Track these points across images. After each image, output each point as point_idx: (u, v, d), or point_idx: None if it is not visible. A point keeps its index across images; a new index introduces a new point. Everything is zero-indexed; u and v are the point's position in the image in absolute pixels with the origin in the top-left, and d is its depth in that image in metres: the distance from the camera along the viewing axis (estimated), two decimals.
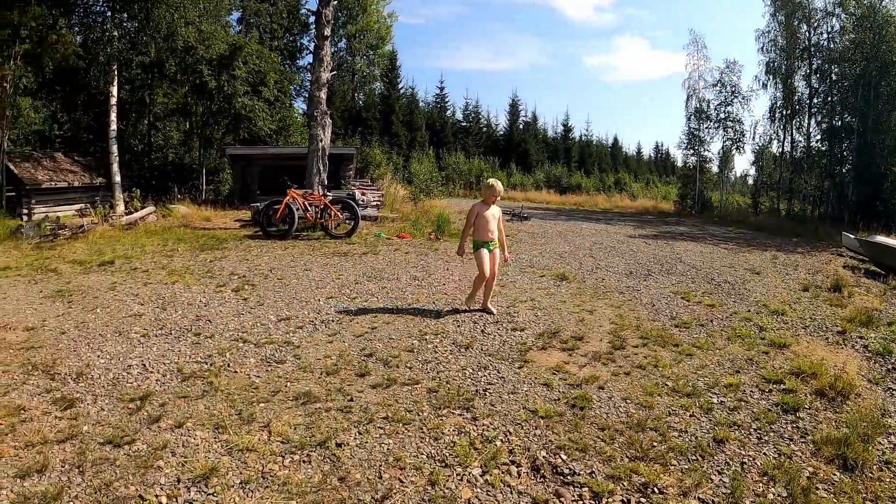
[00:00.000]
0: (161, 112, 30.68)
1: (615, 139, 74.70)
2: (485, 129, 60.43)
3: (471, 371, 6.06)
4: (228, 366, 6.31)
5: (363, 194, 19.09)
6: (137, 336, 7.34)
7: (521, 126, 61.42)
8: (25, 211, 21.58)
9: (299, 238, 15.26)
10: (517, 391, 5.53)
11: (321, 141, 17.98)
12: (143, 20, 23.15)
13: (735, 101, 31.10)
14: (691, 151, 32.59)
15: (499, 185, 8.01)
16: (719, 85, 31.30)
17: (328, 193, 16.72)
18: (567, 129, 65.30)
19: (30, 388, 5.67)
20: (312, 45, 44.60)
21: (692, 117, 32.06)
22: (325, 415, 5.04)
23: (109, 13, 23.60)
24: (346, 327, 7.67)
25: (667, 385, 5.70)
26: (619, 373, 6.03)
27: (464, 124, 59.08)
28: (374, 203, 20.61)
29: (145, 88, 28.69)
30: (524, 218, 21.78)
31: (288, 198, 15.36)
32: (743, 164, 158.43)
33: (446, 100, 59.30)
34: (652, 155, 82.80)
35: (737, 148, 31.52)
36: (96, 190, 24.13)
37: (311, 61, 46.97)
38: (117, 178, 23.83)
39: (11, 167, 21.54)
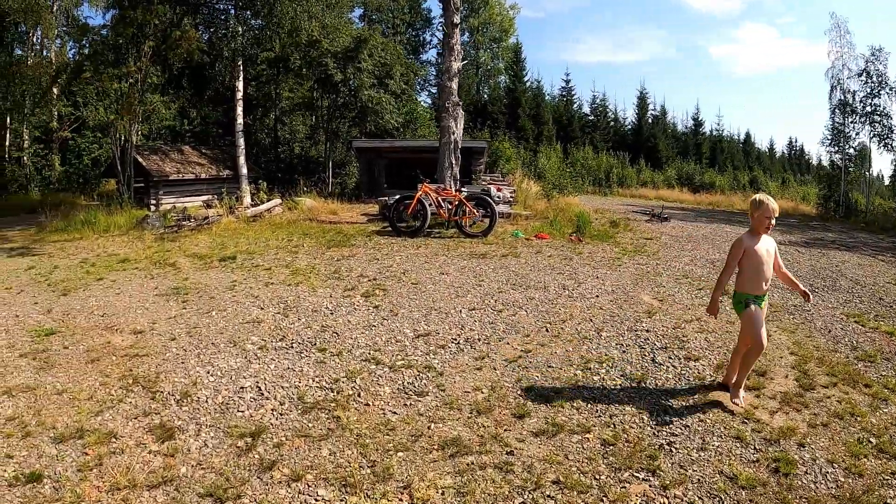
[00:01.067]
0: (287, 106, 30.47)
1: (747, 134, 69.27)
2: (612, 123, 57.36)
3: (649, 416, 4.82)
4: (359, 395, 5.09)
5: (499, 190, 17.57)
6: (254, 348, 6.17)
7: (649, 120, 57.69)
8: (153, 202, 21.60)
9: (431, 236, 13.93)
10: (707, 446, 4.36)
11: (453, 133, 16.64)
12: (266, 16, 22.68)
13: (882, 92, 27.20)
14: (835, 148, 28.81)
15: (772, 203, 5.15)
16: (864, 75, 27.49)
17: (463, 189, 15.29)
18: (697, 123, 60.68)
19: (126, 409, 4.85)
20: (440, 34, 43.32)
21: (836, 111, 28.31)
22: (479, 474, 3.94)
23: (233, 10, 23.33)
24: (494, 349, 6.30)
25: (871, 442, 4.48)
26: (815, 423, 4.77)
27: (590, 118, 56.40)
28: (508, 199, 19.13)
29: (271, 83, 28.43)
30: (665, 219, 19.65)
31: (420, 192, 14.05)
32: (880, 162, 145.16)
33: (573, 93, 56.84)
34: (785, 151, 76.39)
35: (885, 145, 27.58)
36: (223, 182, 23.89)
37: (434, 56, 46.37)
38: (244, 171, 23.49)
39: (140, 160, 21.56)
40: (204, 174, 23.49)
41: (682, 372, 5.75)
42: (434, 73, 49.72)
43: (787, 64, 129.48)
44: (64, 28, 30.01)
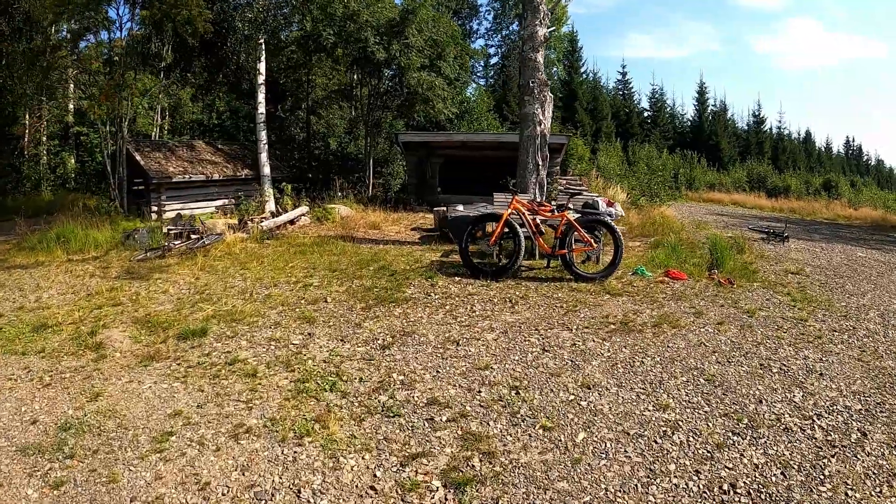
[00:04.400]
0: (319, 95, 26.25)
1: (808, 133, 64.44)
2: (669, 119, 53.85)
3: None
4: None
5: (609, 204, 12.46)
6: None
7: (709, 117, 53.74)
8: (155, 209, 17.46)
9: (520, 274, 9.14)
10: None
11: (540, 124, 11.92)
12: None
13: None
14: None
15: None
16: None
17: (569, 206, 10.12)
18: (759, 120, 56.49)
19: None
20: (487, 22, 38.94)
21: None
22: None
23: None
24: None
25: None
26: None
27: (648, 113, 53.21)
28: (621, 215, 14.39)
29: (301, 68, 24.06)
30: (784, 238, 14.97)
31: (509, 210, 9.13)
32: None
33: (629, 86, 53.37)
34: (842, 151, 71.19)
35: None
36: (242, 184, 19.72)
37: (481, 45, 41.98)
38: (266, 170, 19.17)
39: (138, 157, 17.44)
40: (217, 174, 19.22)
41: None
42: (482, 64, 45.67)
43: (835, 58, 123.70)
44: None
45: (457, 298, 7.74)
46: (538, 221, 9.16)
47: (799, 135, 63.64)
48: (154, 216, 17.09)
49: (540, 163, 11.91)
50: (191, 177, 18.23)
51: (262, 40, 19.35)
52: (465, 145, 19.53)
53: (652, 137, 47.93)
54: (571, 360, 5.69)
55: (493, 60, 47.44)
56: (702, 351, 6.06)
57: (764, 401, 4.92)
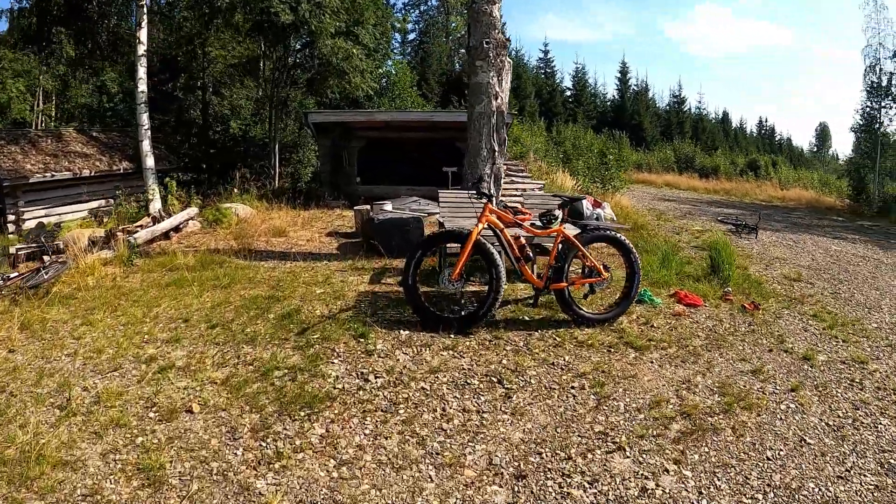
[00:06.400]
0: (220, 70, 22.84)
1: (725, 113, 67.11)
2: (591, 98, 54.70)
3: None
4: None
5: (596, 205, 9.56)
6: None
7: (631, 97, 54.70)
8: (12, 218, 14.05)
9: (496, 323, 6.10)
10: None
11: (497, 97, 9.07)
12: None
13: None
14: (866, 136, 24.86)
15: None
16: None
17: (559, 215, 6.64)
18: (680, 101, 57.60)
19: None
20: None
21: (870, 93, 24.30)
22: None
23: None
24: None
25: None
26: None
27: (570, 93, 53.64)
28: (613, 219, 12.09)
29: (195, 38, 20.55)
30: (752, 229, 13.62)
31: (480, 226, 5.90)
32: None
33: (552, 64, 53.41)
34: (755, 131, 74.01)
35: None
36: (122, 179, 16.36)
37: (402, 17, 39.46)
38: (149, 162, 15.72)
39: None
40: (88, 170, 15.77)
41: None
42: (399, 40, 43.34)
43: (746, 44, 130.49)
44: None
45: (412, 385, 4.74)
46: (523, 241, 6.25)
47: (717, 115, 66.30)
48: (12, 227, 13.80)
49: (496, 148, 9.09)
50: (54, 175, 14.78)
51: (143, 2, 15.92)
52: (390, 125, 16.70)
53: (577, 116, 47.87)
54: None
55: (411, 37, 45.86)
56: (810, 456, 4.02)
57: None
